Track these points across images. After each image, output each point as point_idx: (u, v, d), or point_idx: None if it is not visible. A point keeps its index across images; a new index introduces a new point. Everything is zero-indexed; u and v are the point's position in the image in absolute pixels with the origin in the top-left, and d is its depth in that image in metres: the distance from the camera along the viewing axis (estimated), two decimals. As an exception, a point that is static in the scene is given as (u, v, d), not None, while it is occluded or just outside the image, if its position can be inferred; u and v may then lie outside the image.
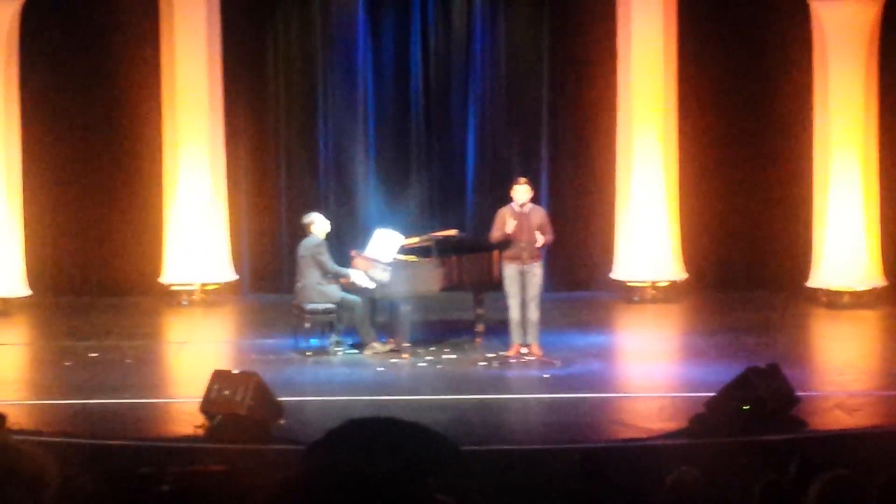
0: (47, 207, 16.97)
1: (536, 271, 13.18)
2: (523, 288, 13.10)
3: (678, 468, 6.25)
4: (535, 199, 13.69)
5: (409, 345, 13.26)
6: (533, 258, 13.12)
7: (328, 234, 13.65)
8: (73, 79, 17.01)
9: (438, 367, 12.93)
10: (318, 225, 13.53)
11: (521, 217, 13.10)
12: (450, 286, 13.57)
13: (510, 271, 13.14)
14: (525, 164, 17.25)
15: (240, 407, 10.17)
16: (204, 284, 16.63)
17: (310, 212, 14.04)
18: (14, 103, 16.24)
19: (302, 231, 13.75)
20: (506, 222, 13.07)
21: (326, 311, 13.35)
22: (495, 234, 13.19)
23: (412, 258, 13.67)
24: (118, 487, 5.38)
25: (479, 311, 13.86)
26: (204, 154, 16.61)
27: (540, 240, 13.11)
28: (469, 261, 13.57)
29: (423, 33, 17.55)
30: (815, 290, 16.51)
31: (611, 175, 17.17)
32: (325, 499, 2.99)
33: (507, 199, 13.33)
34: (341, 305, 13.34)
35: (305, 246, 13.47)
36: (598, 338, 14.64)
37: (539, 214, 13.32)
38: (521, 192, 13.17)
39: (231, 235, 16.99)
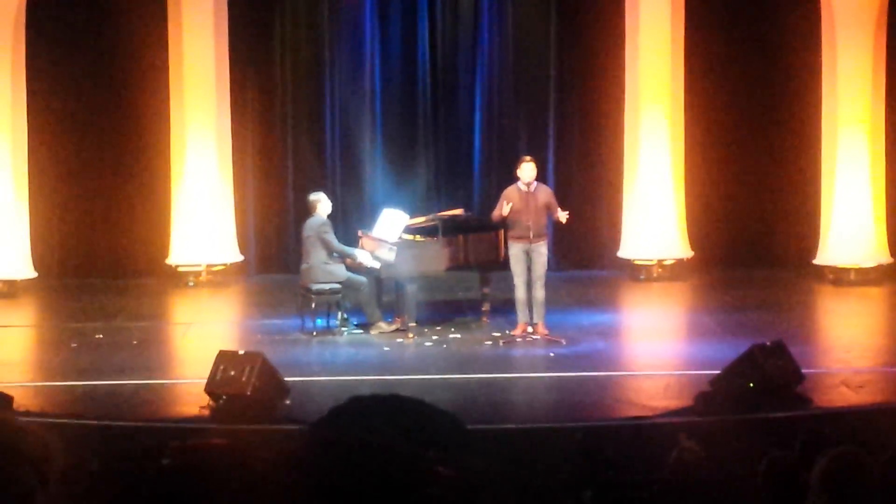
0: (53, 189, 16.98)
1: (542, 250, 13.17)
2: (529, 267, 13.09)
3: (680, 445, 6.25)
4: (542, 178, 13.67)
5: (414, 324, 13.26)
6: (539, 237, 13.10)
7: (332, 215, 13.64)
8: (80, 61, 17.01)
9: (444, 346, 12.93)
10: (323, 205, 13.53)
11: (527, 196, 13.07)
12: (456, 266, 13.56)
13: (516, 250, 13.14)
14: (532, 144, 17.24)
15: (245, 387, 10.17)
16: (210, 265, 16.64)
17: (316, 191, 14.03)
18: (21, 86, 16.23)
19: (307, 211, 13.74)
20: (509, 201, 13.04)
21: (332, 291, 13.36)
22: (495, 213, 13.18)
23: (418, 238, 13.66)
24: (122, 466, 5.40)
25: (485, 290, 13.85)
26: (210, 135, 16.61)
27: (563, 217, 13.08)
28: (475, 240, 13.56)
29: (431, 12, 17.53)
30: (822, 268, 16.50)
31: (618, 154, 17.16)
32: (328, 472, 3.00)
33: (513, 179, 13.31)
34: (347, 285, 13.35)
35: (310, 226, 13.47)
36: (604, 316, 14.64)
37: (545, 193, 13.30)
38: (528, 170, 13.15)
39: (237, 216, 16.99)
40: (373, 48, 17.56)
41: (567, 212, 13.19)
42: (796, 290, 16.15)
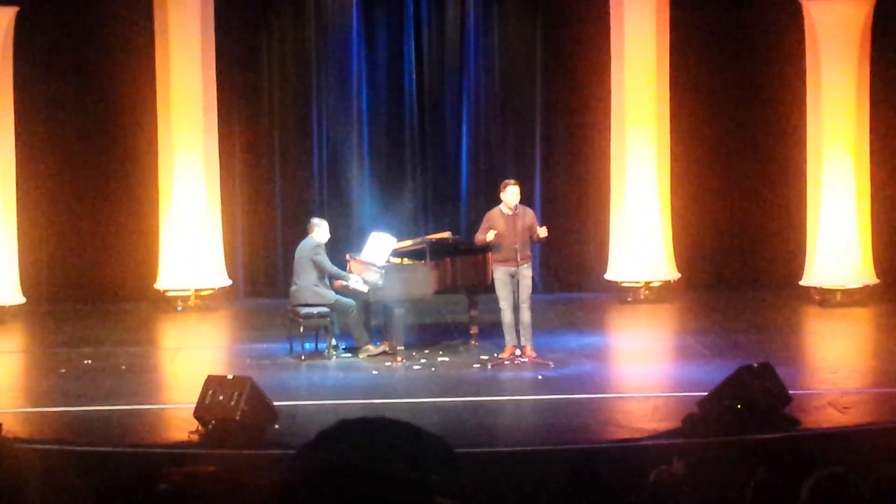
0: (42, 214, 16.99)
1: (527, 273, 13.18)
2: (514, 290, 13.09)
3: (659, 466, 6.28)
4: (529, 201, 13.69)
5: (403, 348, 13.26)
6: (525, 259, 13.12)
7: (325, 243, 13.66)
8: (68, 84, 17.03)
9: (433, 369, 12.94)
10: (321, 231, 13.56)
11: (512, 219, 13.08)
12: (444, 289, 13.58)
13: (501, 274, 13.14)
14: (519, 166, 17.29)
15: (234, 412, 10.17)
16: (198, 290, 16.64)
17: (313, 216, 14.09)
18: (8, 109, 16.24)
19: (298, 233, 13.76)
20: (493, 226, 13.06)
21: (320, 315, 13.38)
22: (479, 237, 13.17)
23: (406, 261, 13.68)
24: (113, 492, 5.40)
25: (473, 313, 13.87)
26: (198, 160, 16.63)
27: (543, 231, 13.08)
28: (463, 263, 13.58)
29: (417, 35, 17.59)
30: (808, 289, 16.56)
31: (604, 176, 17.21)
32: (318, 496, 3.01)
33: (500, 201, 13.28)
34: (335, 308, 13.37)
35: (304, 247, 13.50)
36: (591, 338, 14.67)
37: (530, 215, 13.31)
38: (513, 194, 13.14)
39: (225, 241, 17.00)
40: (359, 72, 17.61)
41: (545, 226, 13.21)
42: (783, 311, 16.19)
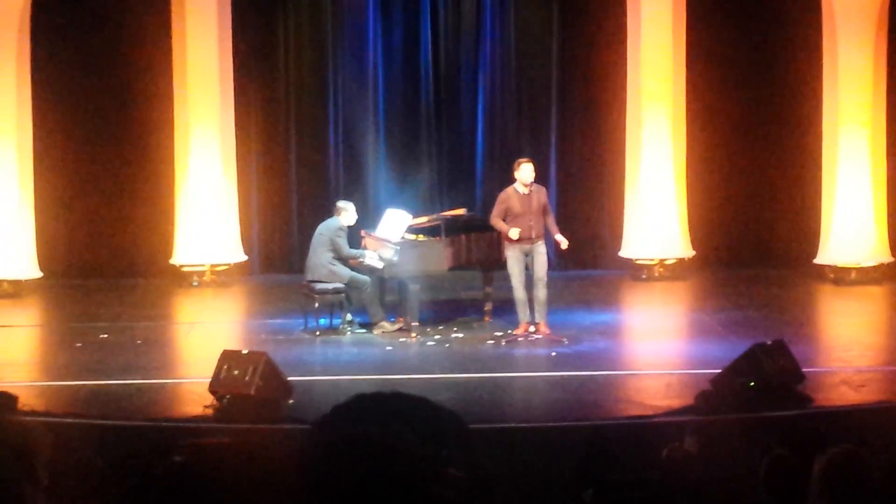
0: (58, 189, 17.04)
1: (542, 250, 13.18)
2: (527, 267, 13.10)
3: (672, 443, 6.30)
4: (544, 179, 13.69)
5: (417, 324, 13.30)
6: (539, 237, 13.13)
7: (350, 226, 13.66)
8: (85, 63, 17.07)
9: (447, 345, 12.97)
10: (348, 214, 13.56)
11: (527, 198, 13.08)
12: (458, 265, 13.60)
13: (515, 252, 13.12)
14: (534, 144, 17.31)
15: (248, 387, 10.19)
16: (214, 265, 16.69)
17: (339, 199, 14.13)
18: (26, 88, 16.29)
19: (314, 209, 13.78)
20: (509, 205, 13.05)
21: (336, 291, 13.41)
22: (497, 224, 13.15)
23: (421, 238, 13.71)
24: (130, 464, 5.44)
25: (488, 289, 13.90)
26: (214, 136, 16.66)
27: (564, 243, 13.18)
28: (478, 240, 13.60)
29: (433, 13, 17.60)
30: (823, 267, 16.55)
31: (620, 154, 17.21)
32: (334, 470, 3.03)
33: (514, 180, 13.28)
34: (350, 285, 13.40)
35: (327, 225, 13.51)
36: (605, 316, 14.68)
37: (543, 193, 13.31)
38: (528, 171, 13.12)
39: (241, 217, 17.05)
40: (376, 50, 17.62)
41: (566, 239, 13.28)
42: (797, 289, 16.19)
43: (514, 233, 12.93)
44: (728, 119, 17.40)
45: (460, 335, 13.35)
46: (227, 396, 10.37)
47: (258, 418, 10.00)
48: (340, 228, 13.47)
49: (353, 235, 14.05)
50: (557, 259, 16.74)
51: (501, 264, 13.50)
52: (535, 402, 11.26)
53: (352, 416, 3.18)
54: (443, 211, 14.60)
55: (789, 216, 17.41)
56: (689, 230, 16.98)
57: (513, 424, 10.07)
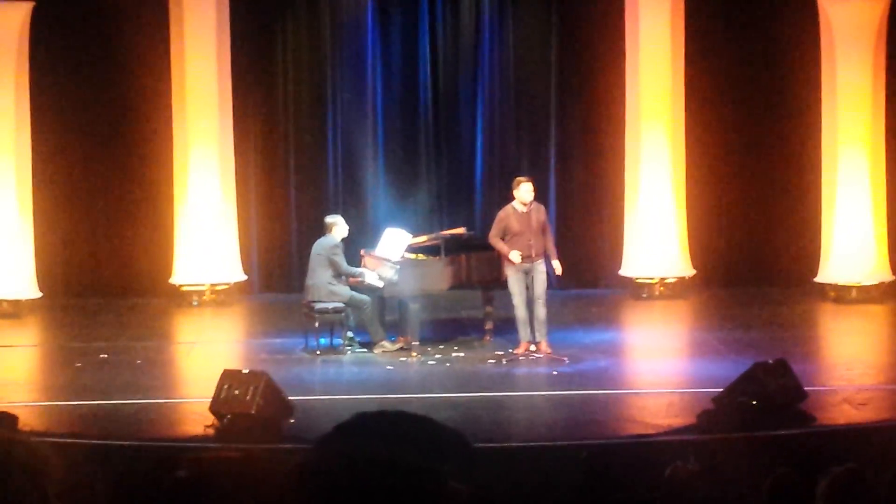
0: (58, 209, 17.01)
1: (542, 268, 13.17)
2: (528, 287, 13.08)
3: (675, 462, 6.28)
4: (543, 197, 13.69)
5: (418, 343, 13.29)
6: (539, 255, 13.12)
7: (344, 238, 13.68)
8: (84, 80, 17.06)
9: (447, 364, 12.96)
10: (340, 228, 13.58)
11: (526, 216, 13.08)
12: (458, 284, 13.60)
13: (514, 270, 13.12)
14: (533, 162, 17.31)
15: (249, 406, 10.19)
16: (214, 285, 16.67)
17: (332, 213, 14.12)
18: (25, 105, 16.29)
19: (313, 229, 13.78)
20: (507, 225, 13.05)
21: (336, 311, 13.39)
22: (497, 244, 13.13)
23: (421, 257, 13.70)
24: (128, 486, 5.42)
25: (488, 308, 13.89)
26: (213, 155, 16.66)
27: (558, 269, 13.19)
28: (478, 259, 13.60)
29: (432, 32, 17.60)
30: (823, 286, 16.53)
31: (619, 172, 17.20)
32: (336, 488, 3.02)
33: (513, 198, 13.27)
34: (350, 304, 13.39)
35: (322, 245, 13.51)
36: (606, 334, 14.67)
37: (542, 211, 13.31)
38: (528, 190, 13.12)
39: (240, 236, 17.03)
40: (375, 69, 17.62)
41: (561, 266, 13.30)
42: (798, 307, 16.17)
43: (514, 255, 12.91)
44: (727, 137, 17.38)
45: (461, 354, 13.34)
46: (228, 416, 10.35)
47: (259, 437, 9.99)
48: (336, 245, 13.46)
49: (352, 254, 14.04)
50: (558, 278, 16.71)
51: (501, 283, 13.49)
52: (536, 422, 11.25)
53: (355, 434, 3.17)
54: (442, 230, 14.61)
55: (790, 234, 17.39)
56: (690, 249, 16.97)
57: (514, 444, 10.07)
